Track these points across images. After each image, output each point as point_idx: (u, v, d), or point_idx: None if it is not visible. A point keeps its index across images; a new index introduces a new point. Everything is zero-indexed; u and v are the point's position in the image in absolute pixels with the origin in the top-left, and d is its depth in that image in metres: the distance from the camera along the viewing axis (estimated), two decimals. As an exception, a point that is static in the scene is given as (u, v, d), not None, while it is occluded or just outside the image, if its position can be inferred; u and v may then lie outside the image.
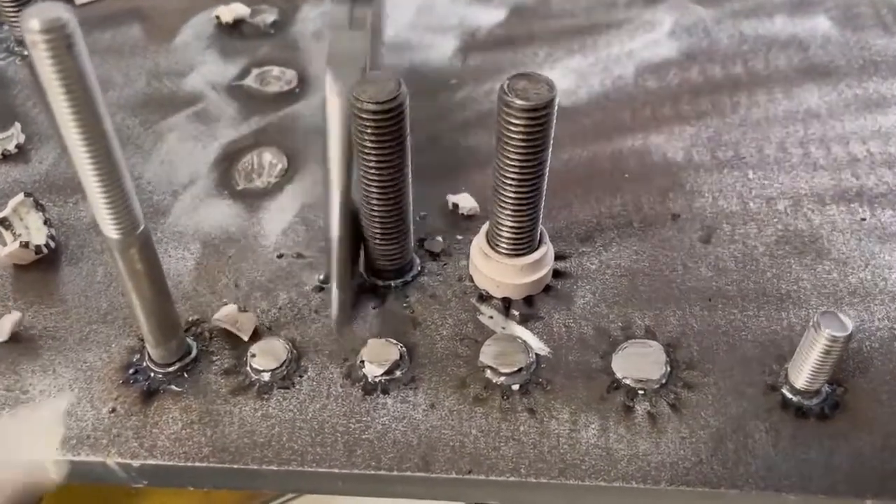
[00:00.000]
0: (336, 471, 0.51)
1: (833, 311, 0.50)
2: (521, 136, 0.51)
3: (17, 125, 0.72)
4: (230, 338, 0.57)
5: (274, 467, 0.51)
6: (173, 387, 0.55)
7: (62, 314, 0.59)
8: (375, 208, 0.56)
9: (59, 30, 0.37)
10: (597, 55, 0.82)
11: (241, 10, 0.86)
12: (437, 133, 0.74)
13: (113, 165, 0.43)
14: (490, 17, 0.87)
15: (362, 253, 0.60)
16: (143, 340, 0.55)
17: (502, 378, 0.55)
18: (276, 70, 0.80)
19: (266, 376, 0.55)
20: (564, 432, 0.52)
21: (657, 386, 0.54)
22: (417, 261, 0.62)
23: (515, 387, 0.55)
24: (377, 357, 0.55)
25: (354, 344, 0.57)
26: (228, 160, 0.71)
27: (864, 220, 0.65)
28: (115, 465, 0.51)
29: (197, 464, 0.51)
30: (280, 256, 0.63)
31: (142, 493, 0.84)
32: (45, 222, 0.62)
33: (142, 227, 0.47)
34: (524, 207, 0.55)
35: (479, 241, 0.59)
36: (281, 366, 0.55)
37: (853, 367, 0.55)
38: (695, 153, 0.71)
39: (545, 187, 0.55)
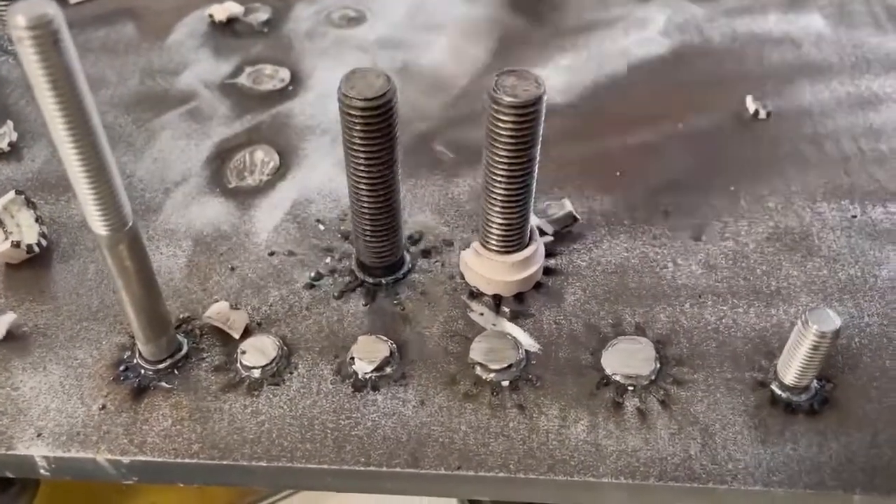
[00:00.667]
0: (325, 467, 0.51)
1: (821, 306, 0.50)
2: (509, 133, 0.51)
3: (10, 123, 0.72)
4: (221, 335, 0.57)
5: (263, 463, 0.51)
6: (163, 383, 0.55)
7: (53, 311, 0.59)
8: (365, 205, 0.56)
9: (45, 25, 0.37)
10: (590, 52, 0.82)
11: (235, 9, 0.86)
12: (430, 130, 0.74)
13: (100, 161, 0.43)
14: (483, 16, 0.87)
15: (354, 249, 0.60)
16: (133, 337, 0.55)
17: (492, 374, 0.55)
18: (268, 68, 0.80)
19: (256, 373, 0.55)
20: (554, 428, 0.52)
21: (647, 382, 0.54)
22: (408, 258, 0.62)
23: (505, 383, 0.55)
24: (367, 354, 0.55)
25: (345, 341, 0.57)
26: (221, 158, 0.71)
27: (854, 217, 0.65)
28: (105, 462, 0.52)
29: (186, 460, 0.51)
30: (271, 254, 0.63)
31: (135, 490, 0.84)
32: (36, 220, 0.62)
33: (130, 224, 0.47)
34: (513, 204, 0.55)
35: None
36: (271, 362, 0.55)
37: (842, 364, 0.55)
38: (686, 151, 0.71)
39: (534, 184, 0.55)
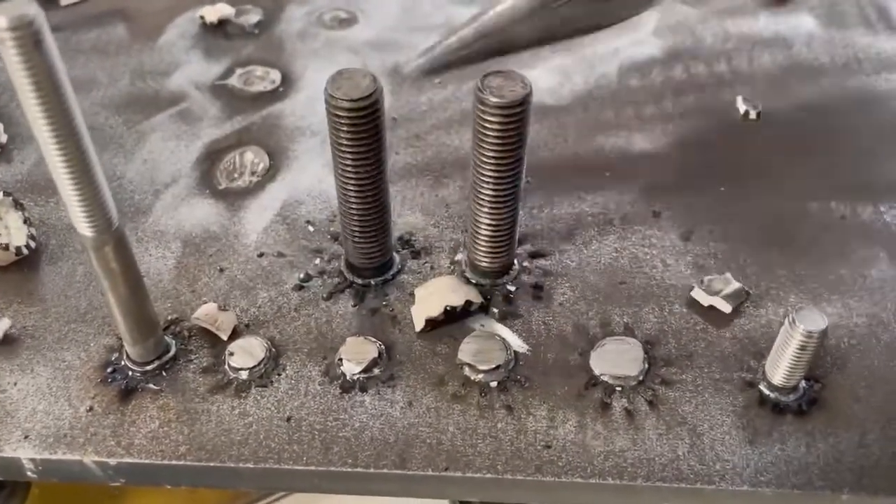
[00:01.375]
0: (312, 468, 0.51)
1: (809, 307, 0.50)
2: (496, 134, 0.51)
3: None
4: (209, 336, 0.57)
5: (250, 465, 0.51)
6: (151, 385, 0.54)
7: (41, 313, 0.59)
8: (353, 206, 0.56)
9: (26, 27, 0.37)
10: (581, 53, 0.82)
11: (226, 11, 0.86)
12: (421, 132, 0.74)
13: (85, 162, 0.43)
14: (475, 17, 0.87)
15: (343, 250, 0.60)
16: (121, 339, 0.55)
17: (480, 375, 0.55)
18: (259, 70, 0.80)
19: (244, 374, 0.55)
20: (542, 429, 0.52)
21: (635, 383, 0.54)
22: (397, 259, 0.62)
23: (493, 384, 0.55)
24: (355, 355, 0.55)
25: (334, 342, 0.57)
26: (211, 159, 0.71)
27: (843, 217, 0.65)
28: (92, 464, 0.51)
29: (174, 462, 0.51)
30: (261, 255, 0.63)
31: (123, 493, 0.84)
32: (25, 222, 0.62)
33: (116, 225, 0.47)
34: (501, 205, 0.55)
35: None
36: (259, 364, 0.55)
37: (831, 364, 0.55)
38: (677, 152, 0.71)
39: (522, 185, 0.55)
